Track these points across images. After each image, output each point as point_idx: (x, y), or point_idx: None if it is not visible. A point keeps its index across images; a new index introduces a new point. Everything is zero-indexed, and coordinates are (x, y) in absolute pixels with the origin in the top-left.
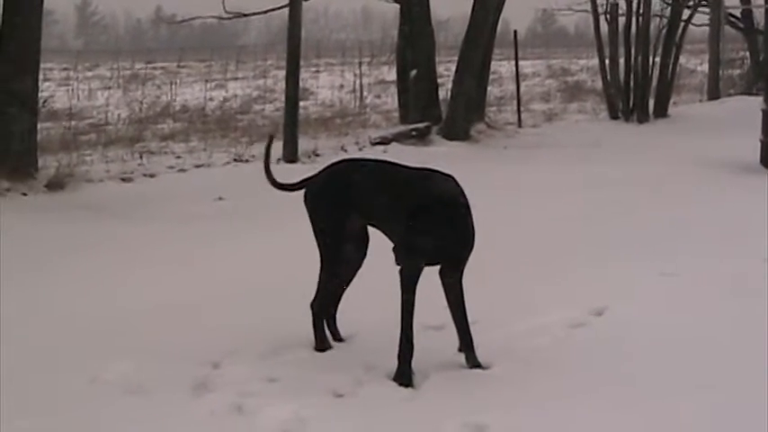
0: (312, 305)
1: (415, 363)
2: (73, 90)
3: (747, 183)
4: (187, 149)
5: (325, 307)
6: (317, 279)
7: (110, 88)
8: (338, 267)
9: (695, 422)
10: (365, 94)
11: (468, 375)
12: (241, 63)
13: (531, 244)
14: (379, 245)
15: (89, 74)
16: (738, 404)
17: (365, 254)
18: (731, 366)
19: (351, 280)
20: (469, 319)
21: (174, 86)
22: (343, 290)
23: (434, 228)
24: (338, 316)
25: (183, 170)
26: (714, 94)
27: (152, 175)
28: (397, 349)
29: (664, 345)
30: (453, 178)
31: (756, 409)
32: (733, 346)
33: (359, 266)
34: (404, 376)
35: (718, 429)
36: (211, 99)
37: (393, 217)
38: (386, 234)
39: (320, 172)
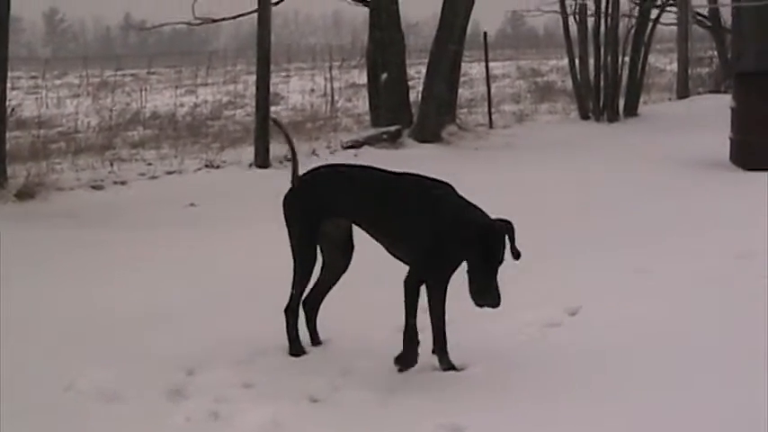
0: (285, 311)
1: (392, 362)
2: (41, 98)
3: (718, 180)
4: (158, 156)
5: (297, 312)
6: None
7: (79, 96)
8: (307, 274)
9: (675, 417)
10: (336, 98)
11: (445, 377)
12: (211, 69)
13: None
14: (358, 249)
15: (58, 82)
16: (716, 398)
17: (349, 260)
18: (706, 361)
19: (332, 285)
20: (446, 319)
21: (144, 93)
22: (324, 295)
23: (453, 253)
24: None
25: (154, 177)
26: (683, 92)
27: (123, 183)
28: (374, 352)
29: (639, 342)
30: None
31: (733, 402)
32: (707, 342)
33: (342, 272)
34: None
35: (699, 423)
36: (182, 105)
37: (397, 227)
38: (374, 236)
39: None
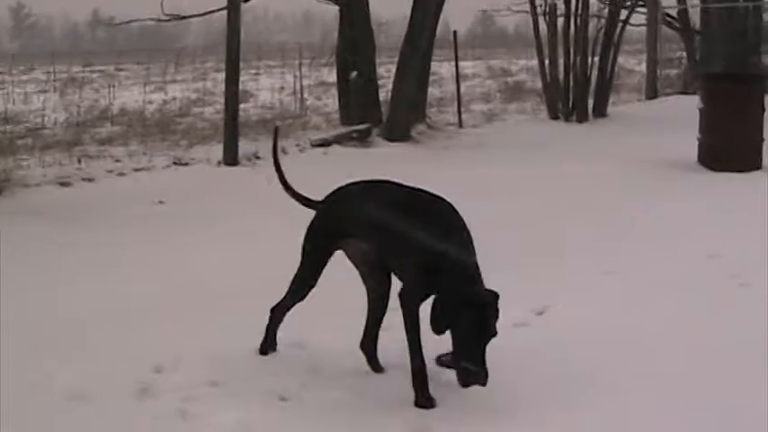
0: (271, 309)
1: (361, 365)
2: (8, 94)
3: (686, 181)
4: (126, 153)
5: (282, 318)
6: (285, 288)
7: (46, 92)
8: (300, 291)
9: (646, 417)
10: (305, 96)
11: None
12: (180, 66)
13: None
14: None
15: (24, 77)
16: (682, 397)
17: (387, 284)
18: (672, 361)
19: (382, 311)
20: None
21: (112, 90)
22: (378, 324)
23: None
24: (286, 320)
25: (122, 174)
26: (652, 93)
27: (91, 180)
28: (344, 352)
29: (606, 343)
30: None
31: (701, 401)
32: (674, 343)
33: (385, 296)
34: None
35: (670, 423)
36: (150, 102)
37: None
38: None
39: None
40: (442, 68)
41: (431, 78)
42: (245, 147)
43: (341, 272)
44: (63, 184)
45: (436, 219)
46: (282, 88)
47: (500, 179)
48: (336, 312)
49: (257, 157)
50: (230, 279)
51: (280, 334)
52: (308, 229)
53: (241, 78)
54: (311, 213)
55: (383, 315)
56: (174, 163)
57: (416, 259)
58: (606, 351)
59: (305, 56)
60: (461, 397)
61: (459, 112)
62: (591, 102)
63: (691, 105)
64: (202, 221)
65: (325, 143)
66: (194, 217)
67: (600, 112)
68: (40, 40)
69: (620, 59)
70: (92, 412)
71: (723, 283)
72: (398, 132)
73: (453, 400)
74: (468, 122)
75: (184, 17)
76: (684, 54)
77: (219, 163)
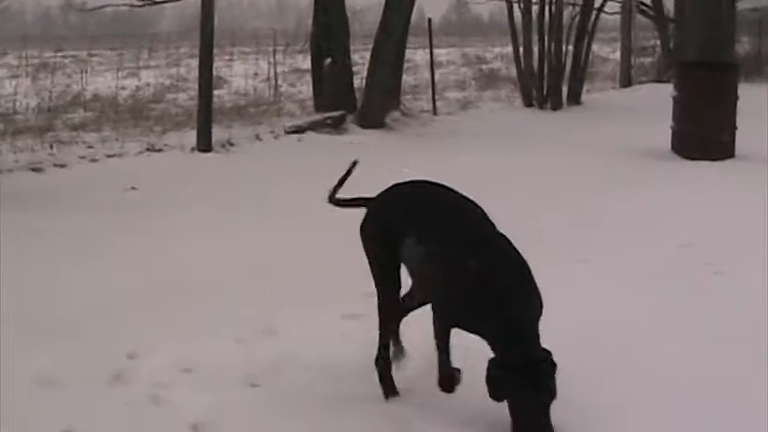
0: (376, 361)
1: (335, 349)
2: None
3: (660, 169)
4: (99, 139)
5: (388, 357)
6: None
7: (18, 77)
8: (393, 305)
9: (624, 408)
10: (280, 82)
11: None
12: (154, 51)
13: None
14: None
15: None
16: (663, 389)
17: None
18: (650, 350)
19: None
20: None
21: (84, 75)
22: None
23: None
24: (260, 306)
25: (94, 160)
26: (626, 81)
27: (63, 165)
28: (318, 338)
29: (577, 331)
30: None
31: (682, 391)
32: (649, 331)
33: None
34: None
35: (649, 414)
36: (123, 88)
37: None
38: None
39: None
40: (416, 56)
41: (405, 66)
42: (218, 133)
43: (319, 258)
44: (35, 170)
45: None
46: (256, 75)
47: (474, 167)
48: (312, 298)
49: (231, 144)
50: (205, 265)
51: (254, 324)
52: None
53: (215, 65)
54: (278, 200)
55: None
56: (147, 149)
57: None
58: (581, 340)
59: (279, 42)
60: (435, 387)
61: (434, 100)
62: (565, 89)
63: (664, 94)
64: (175, 208)
65: (299, 130)
66: (167, 203)
67: (574, 99)
68: (13, 25)
69: (595, 47)
70: (64, 398)
71: (698, 271)
72: (373, 119)
73: (429, 388)
74: (443, 110)
75: (157, 2)
76: (659, 42)
77: (193, 149)
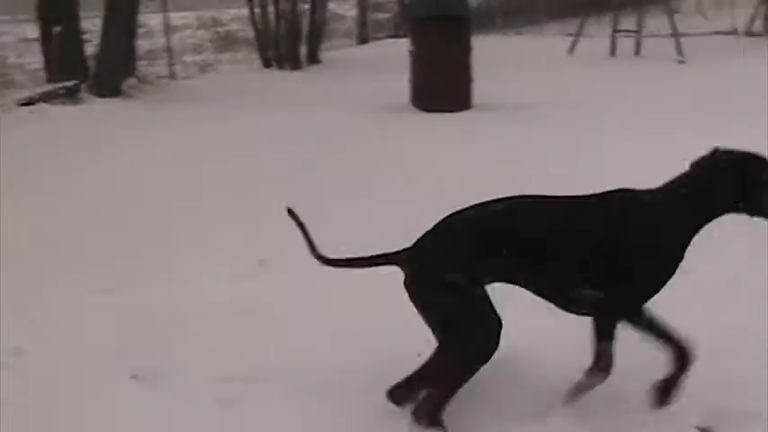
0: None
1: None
2: None
3: (400, 122)
4: None
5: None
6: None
7: None
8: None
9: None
10: (5, 53)
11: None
12: None
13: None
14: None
15: None
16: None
17: None
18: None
19: None
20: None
21: None
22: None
23: None
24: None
25: None
26: (364, 38)
27: None
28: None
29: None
30: None
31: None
32: None
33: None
34: None
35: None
36: None
37: None
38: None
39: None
40: (151, 20)
41: (140, 31)
42: None
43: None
44: None
45: None
46: None
47: (217, 131)
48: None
49: None
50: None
51: None
52: None
53: None
54: None
55: None
56: None
57: None
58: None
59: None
60: None
61: (171, 65)
62: (304, 49)
63: (402, 48)
64: None
65: (31, 102)
66: None
67: (313, 58)
68: None
69: (331, 5)
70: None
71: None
72: (108, 87)
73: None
74: (181, 74)
75: None
76: None
77: None
